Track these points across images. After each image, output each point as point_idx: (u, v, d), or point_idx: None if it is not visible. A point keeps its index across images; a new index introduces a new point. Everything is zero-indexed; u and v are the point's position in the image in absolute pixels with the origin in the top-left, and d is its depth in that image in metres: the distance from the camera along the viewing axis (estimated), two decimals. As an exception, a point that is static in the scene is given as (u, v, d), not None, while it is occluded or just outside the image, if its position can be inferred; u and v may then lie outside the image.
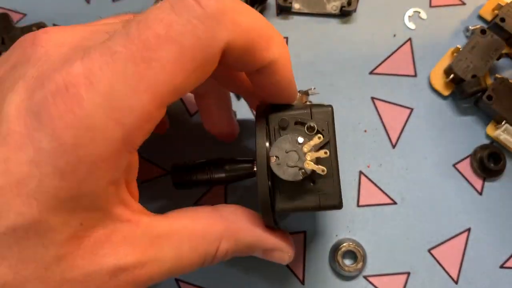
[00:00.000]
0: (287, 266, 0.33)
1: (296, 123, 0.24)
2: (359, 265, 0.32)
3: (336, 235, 0.33)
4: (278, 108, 0.24)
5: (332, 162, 0.24)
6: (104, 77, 0.17)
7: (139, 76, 0.17)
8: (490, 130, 0.34)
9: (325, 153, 0.23)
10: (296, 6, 0.36)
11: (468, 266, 0.33)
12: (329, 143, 0.24)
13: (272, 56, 0.21)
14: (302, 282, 0.32)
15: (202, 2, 0.18)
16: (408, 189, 0.34)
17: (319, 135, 0.23)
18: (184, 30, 0.18)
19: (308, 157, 0.23)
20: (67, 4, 0.37)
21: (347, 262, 0.32)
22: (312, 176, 0.23)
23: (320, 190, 0.24)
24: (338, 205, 0.24)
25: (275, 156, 0.23)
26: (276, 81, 0.22)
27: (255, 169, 0.27)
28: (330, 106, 0.24)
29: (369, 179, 0.34)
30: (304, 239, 0.33)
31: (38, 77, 0.18)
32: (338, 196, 0.24)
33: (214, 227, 0.23)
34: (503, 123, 0.33)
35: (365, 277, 0.32)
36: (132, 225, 0.20)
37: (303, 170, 0.23)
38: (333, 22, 0.37)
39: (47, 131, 0.17)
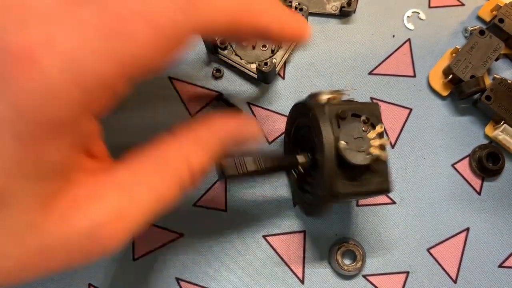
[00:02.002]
0: (287, 266, 0.33)
1: (352, 115, 0.26)
2: (359, 264, 0.32)
3: (336, 235, 0.33)
4: (328, 102, 0.27)
5: (385, 151, 0.26)
6: (68, 42, 0.17)
7: (106, 45, 0.17)
8: (489, 130, 0.34)
9: (387, 140, 0.25)
10: (295, 3, 0.36)
11: (467, 266, 0.33)
12: (382, 134, 0.26)
13: (265, 24, 0.21)
14: (302, 282, 0.33)
15: None
16: (407, 189, 0.34)
17: (381, 124, 0.26)
18: (160, 10, 0.18)
19: (374, 143, 0.25)
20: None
21: (347, 261, 0.32)
22: (372, 162, 0.26)
23: (374, 176, 0.26)
24: (388, 190, 0.26)
25: (345, 142, 0.25)
26: (284, 23, 0.22)
27: (297, 156, 0.28)
28: (377, 104, 0.27)
29: (369, 179, 0.34)
30: (304, 239, 0.33)
31: None
32: (388, 181, 0.26)
33: (172, 150, 0.22)
34: (501, 123, 0.33)
35: (365, 277, 0.33)
36: (97, 184, 0.19)
37: (369, 155, 0.25)
38: (333, 22, 0.37)
39: (4, 99, 0.16)
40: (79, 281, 0.32)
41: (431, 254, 0.33)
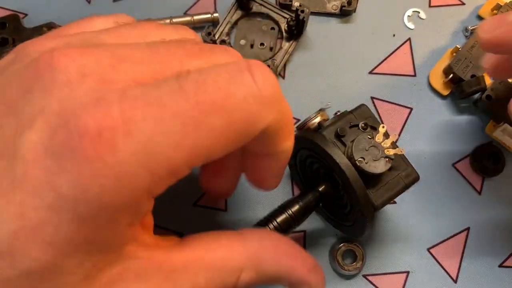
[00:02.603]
0: (287, 265, 0.33)
1: (350, 127, 0.27)
2: (359, 264, 0.32)
3: (336, 235, 0.33)
4: (320, 127, 0.28)
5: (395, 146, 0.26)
6: (147, 128, 0.16)
7: (184, 135, 0.17)
8: (489, 129, 0.34)
9: (394, 135, 0.26)
10: (297, 4, 0.36)
11: (467, 265, 0.33)
12: (386, 131, 0.26)
13: (286, 147, 0.22)
14: (302, 281, 0.33)
15: (259, 84, 0.18)
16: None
17: (382, 124, 0.26)
18: (238, 104, 0.18)
19: (385, 145, 0.25)
20: (68, 4, 0.37)
21: (347, 261, 0.32)
22: (392, 164, 0.26)
23: (398, 173, 0.27)
24: (417, 178, 0.27)
25: (360, 158, 0.25)
26: (276, 168, 0.23)
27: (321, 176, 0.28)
28: (363, 104, 0.28)
29: (369, 179, 0.34)
30: (304, 239, 0.33)
31: (61, 114, 0.16)
32: (414, 170, 0.27)
33: (235, 257, 0.21)
34: (502, 123, 0.33)
35: (365, 276, 0.33)
36: (145, 261, 0.19)
37: (387, 158, 0.25)
38: (333, 22, 0.37)
39: (69, 177, 0.16)
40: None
41: (431, 253, 0.33)
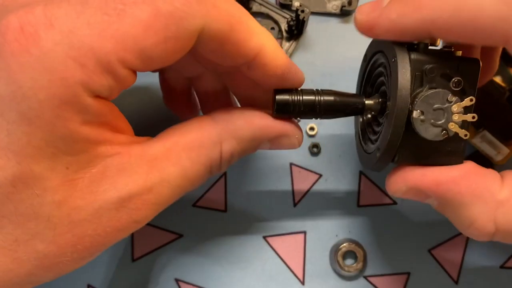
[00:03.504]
0: (287, 266, 0.33)
1: (442, 75, 0.22)
2: (359, 265, 0.32)
3: (336, 235, 0.33)
4: (417, 45, 0.23)
5: (468, 126, 0.22)
6: (68, 20, 0.17)
7: (107, 23, 0.17)
8: (469, 135, 0.33)
9: (473, 117, 0.22)
10: (296, 4, 0.36)
11: (468, 266, 0.33)
12: (473, 106, 0.22)
13: (255, 45, 0.21)
14: (302, 282, 0.32)
15: None
16: (408, 189, 0.34)
17: (471, 97, 0.22)
18: None
19: (455, 118, 0.21)
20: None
21: (347, 262, 0.32)
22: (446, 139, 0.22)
23: (445, 148, 0.23)
24: (459, 163, 0.23)
25: (420, 111, 0.21)
26: (270, 72, 0.22)
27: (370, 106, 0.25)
28: (478, 61, 0.22)
29: (369, 179, 0.34)
30: (304, 239, 0.33)
31: None
32: (462, 156, 0.23)
33: (209, 133, 0.22)
34: (481, 129, 0.32)
35: (365, 277, 0.32)
36: (124, 156, 0.20)
37: (445, 131, 0.22)
38: (334, 22, 0.37)
39: (1, 75, 0.16)
40: (78, 281, 0.32)
41: (432, 255, 0.33)
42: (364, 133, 0.28)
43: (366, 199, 0.34)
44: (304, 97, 0.23)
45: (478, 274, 0.33)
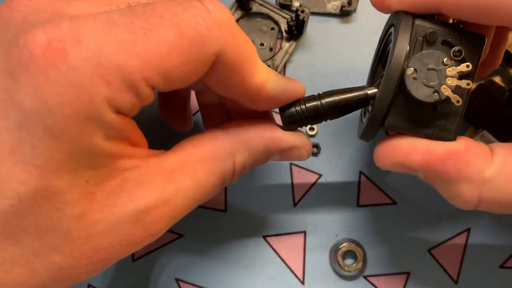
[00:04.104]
0: (287, 266, 0.33)
1: (443, 42, 0.22)
2: (359, 265, 0.32)
3: (336, 235, 0.33)
4: (425, 16, 0.22)
5: (463, 96, 0.22)
6: (95, 37, 0.17)
7: (133, 42, 0.17)
8: (469, 136, 0.34)
9: (467, 84, 0.21)
10: (296, 4, 0.36)
11: (468, 266, 0.33)
12: (470, 76, 0.22)
13: (259, 80, 0.22)
14: (302, 282, 0.32)
15: (209, 7, 0.19)
16: (408, 189, 0.34)
17: (468, 63, 0.21)
18: (187, 20, 0.18)
19: (449, 82, 0.21)
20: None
21: (347, 262, 0.32)
22: (438, 103, 0.22)
23: (438, 119, 0.22)
24: (449, 139, 0.23)
25: (413, 68, 0.21)
26: (273, 105, 0.23)
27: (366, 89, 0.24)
28: (483, 37, 0.22)
29: (369, 179, 0.34)
30: (304, 239, 0.33)
31: (15, 37, 0.17)
32: (455, 133, 0.22)
33: (223, 145, 0.23)
34: (480, 129, 0.32)
35: (365, 277, 0.32)
36: (141, 169, 0.20)
37: (436, 94, 0.21)
38: (333, 22, 0.37)
39: (28, 90, 0.16)
40: (78, 282, 0.32)
41: (432, 254, 0.33)
42: (366, 109, 0.28)
43: (366, 199, 0.34)
44: (307, 104, 0.24)
45: (478, 274, 0.33)
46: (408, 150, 0.22)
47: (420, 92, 0.21)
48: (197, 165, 0.21)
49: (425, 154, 0.22)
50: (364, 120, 0.25)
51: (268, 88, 0.22)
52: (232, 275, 0.32)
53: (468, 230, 0.33)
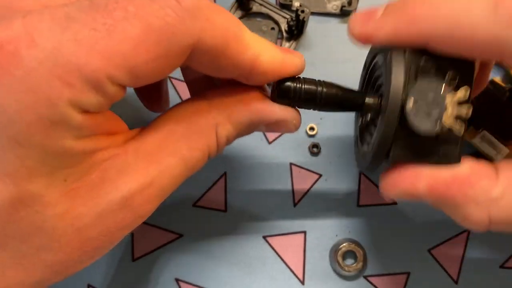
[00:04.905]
0: (287, 266, 0.33)
1: (437, 69, 0.21)
2: (359, 265, 0.32)
3: (336, 235, 0.33)
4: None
5: (464, 123, 0.21)
6: (52, 36, 0.16)
7: (94, 39, 0.16)
8: (469, 136, 0.33)
9: (467, 110, 0.21)
10: (296, 4, 0.36)
11: (468, 266, 0.33)
12: (468, 101, 0.21)
13: (250, 57, 0.20)
14: (302, 282, 0.32)
15: None
16: (408, 189, 0.34)
17: (467, 86, 0.21)
18: (154, 12, 0.17)
19: (449, 111, 0.20)
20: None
21: (347, 262, 0.32)
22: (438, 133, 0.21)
23: (441, 146, 0.22)
24: (454, 163, 0.22)
25: (413, 100, 0.20)
26: (270, 79, 0.22)
27: (365, 100, 0.24)
28: (472, 62, 0.22)
29: (369, 179, 0.34)
30: (304, 239, 0.33)
31: None
32: (459, 156, 0.22)
33: (205, 118, 0.21)
34: (481, 130, 0.32)
35: (365, 277, 0.32)
36: (121, 157, 0.19)
37: (439, 125, 0.21)
38: (334, 22, 0.37)
39: None
40: (78, 281, 0.32)
41: (432, 254, 0.33)
42: (362, 135, 0.28)
43: (366, 199, 0.34)
44: (306, 86, 0.23)
45: (478, 274, 0.33)
46: (413, 179, 0.22)
47: (422, 124, 0.21)
48: (179, 141, 0.21)
49: (429, 181, 0.22)
50: (367, 155, 0.25)
51: (263, 62, 0.21)
52: (232, 275, 0.32)
53: (468, 230, 0.33)
